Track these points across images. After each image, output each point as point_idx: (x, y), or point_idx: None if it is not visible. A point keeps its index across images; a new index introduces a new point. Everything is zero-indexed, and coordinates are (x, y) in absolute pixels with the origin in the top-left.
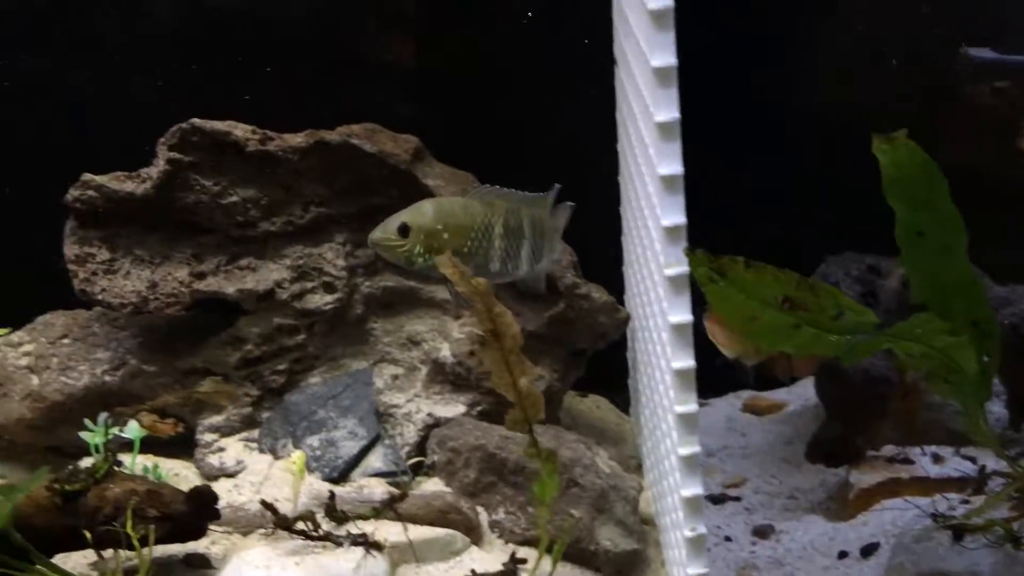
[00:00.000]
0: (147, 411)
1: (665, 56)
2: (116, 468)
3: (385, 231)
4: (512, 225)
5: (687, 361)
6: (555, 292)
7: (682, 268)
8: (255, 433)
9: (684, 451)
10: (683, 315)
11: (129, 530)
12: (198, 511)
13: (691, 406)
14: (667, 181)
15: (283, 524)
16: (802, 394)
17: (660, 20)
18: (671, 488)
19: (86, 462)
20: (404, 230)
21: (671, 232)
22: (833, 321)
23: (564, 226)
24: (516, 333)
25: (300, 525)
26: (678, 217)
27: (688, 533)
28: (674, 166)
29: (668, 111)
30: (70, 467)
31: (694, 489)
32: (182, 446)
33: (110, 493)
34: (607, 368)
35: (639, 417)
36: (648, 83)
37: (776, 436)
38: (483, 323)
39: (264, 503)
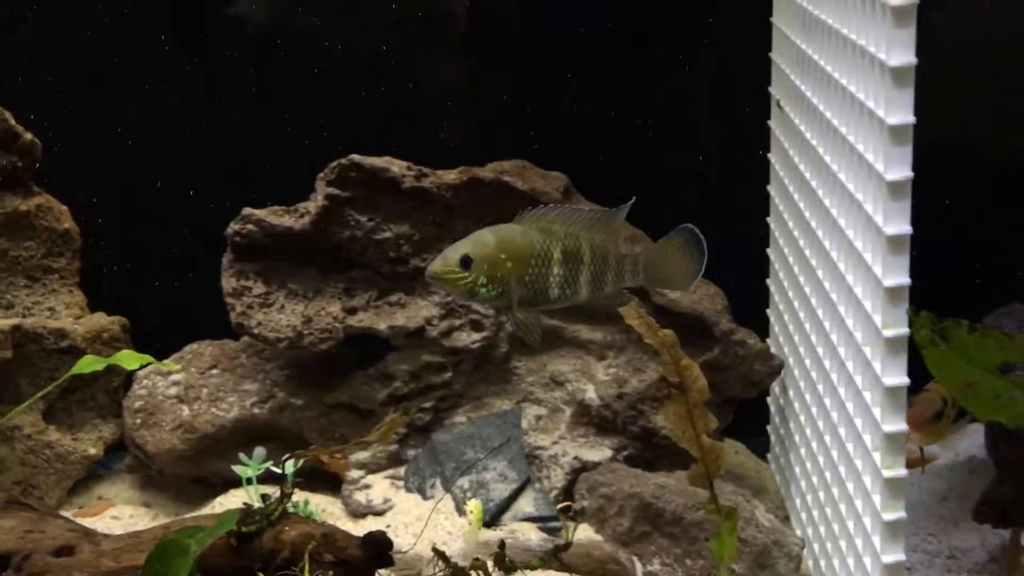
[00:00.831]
0: (320, 448)
1: (905, 55)
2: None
3: (446, 264)
4: (571, 250)
5: (899, 425)
6: (710, 337)
7: (902, 329)
8: (401, 471)
9: (889, 516)
10: (899, 378)
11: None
12: (372, 557)
13: (900, 471)
14: (892, 242)
15: (458, 574)
16: (951, 446)
17: (900, 16)
18: (861, 552)
19: (235, 495)
20: (467, 262)
21: (893, 293)
22: None
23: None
24: (702, 387)
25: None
26: (901, 278)
27: None
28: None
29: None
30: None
31: (895, 556)
32: (323, 480)
33: (286, 536)
34: (739, 411)
35: (782, 465)
36: (880, 85)
37: (929, 492)
38: (669, 375)
39: (436, 551)
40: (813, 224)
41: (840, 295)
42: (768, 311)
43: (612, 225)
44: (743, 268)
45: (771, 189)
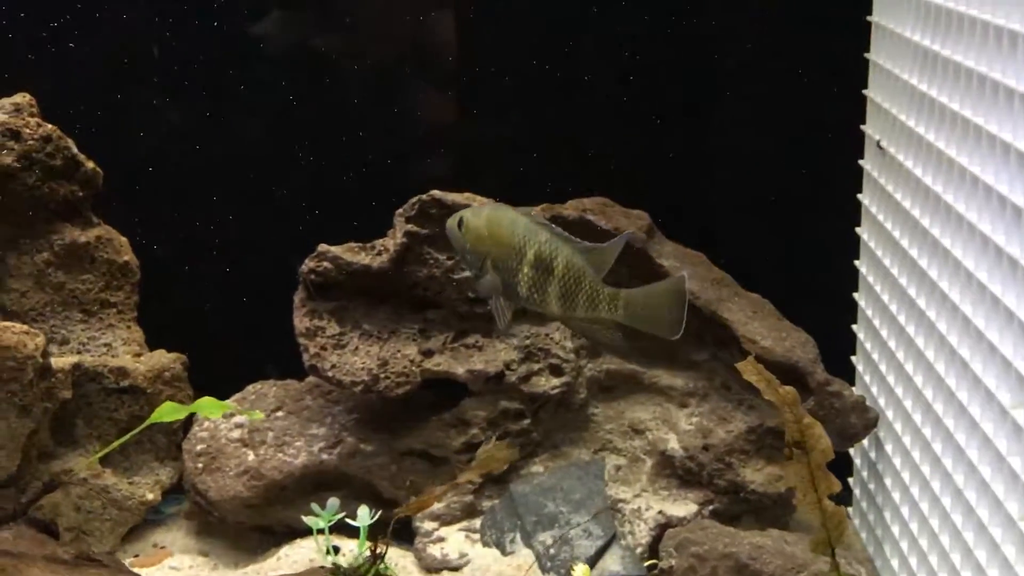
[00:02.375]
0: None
1: None
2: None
3: (454, 218)
4: (544, 258)
5: None
6: (804, 388)
7: None
8: (476, 523)
9: None
10: None
11: None
12: None
13: None
14: None
15: None
16: None
17: None
18: None
19: (300, 545)
20: (461, 223)
21: None
22: None
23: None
24: (826, 447)
25: None
26: None
27: None
28: None
29: None
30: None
31: None
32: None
33: None
34: None
35: (872, 523)
36: None
37: None
38: (790, 434)
39: None
40: (933, 272)
41: (975, 350)
42: (854, 358)
43: (598, 253)
44: (824, 311)
45: (863, 231)
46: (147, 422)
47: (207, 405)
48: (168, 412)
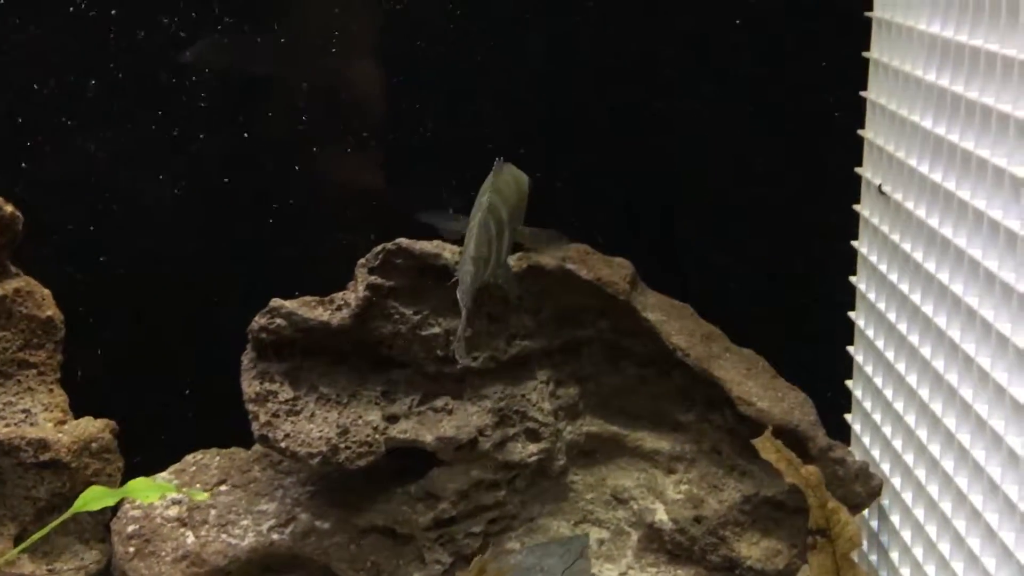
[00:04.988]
0: None
1: None
2: None
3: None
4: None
5: None
6: (805, 455)
7: None
8: None
9: None
10: None
11: None
12: None
13: None
14: None
15: None
16: None
17: None
18: None
19: None
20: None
21: None
22: None
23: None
24: (853, 534)
25: None
26: None
27: None
28: None
29: None
30: None
31: None
32: None
33: None
34: None
35: None
36: None
37: None
38: (814, 520)
39: None
40: (945, 327)
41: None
42: (849, 416)
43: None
44: (815, 366)
45: (859, 281)
46: (71, 510)
47: (140, 488)
48: (95, 498)
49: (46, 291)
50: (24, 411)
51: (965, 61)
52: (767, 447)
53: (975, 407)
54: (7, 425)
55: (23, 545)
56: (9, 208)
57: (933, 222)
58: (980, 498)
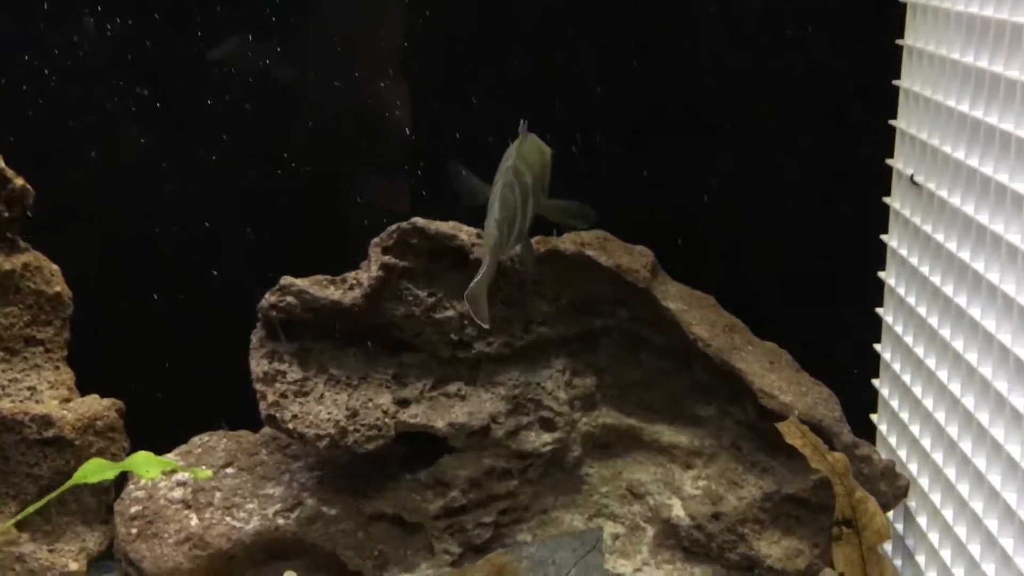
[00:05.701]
0: None
1: None
2: None
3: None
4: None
5: None
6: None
7: None
8: None
9: None
10: None
11: None
12: None
13: None
14: None
15: None
16: None
17: None
18: None
19: None
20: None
21: None
22: None
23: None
24: (881, 526)
25: None
26: None
27: None
28: None
29: None
30: None
31: None
32: None
33: None
34: None
35: None
36: None
37: None
38: (840, 510)
39: None
40: (980, 317)
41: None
42: (875, 416)
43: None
44: (840, 363)
45: (888, 277)
46: (70, 482)
47: (142, 462)
48: (95, 470)
49: (55, 266)
50: (29, 388)
51: (1006, 42)
52: (792, 431)
53: (1010, 400)
54: (12, 401)
55: (20, 515)
56: (19, 181)
57: (968, 210)
58: (1015, 496)
